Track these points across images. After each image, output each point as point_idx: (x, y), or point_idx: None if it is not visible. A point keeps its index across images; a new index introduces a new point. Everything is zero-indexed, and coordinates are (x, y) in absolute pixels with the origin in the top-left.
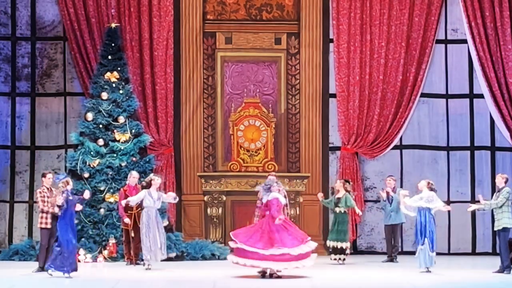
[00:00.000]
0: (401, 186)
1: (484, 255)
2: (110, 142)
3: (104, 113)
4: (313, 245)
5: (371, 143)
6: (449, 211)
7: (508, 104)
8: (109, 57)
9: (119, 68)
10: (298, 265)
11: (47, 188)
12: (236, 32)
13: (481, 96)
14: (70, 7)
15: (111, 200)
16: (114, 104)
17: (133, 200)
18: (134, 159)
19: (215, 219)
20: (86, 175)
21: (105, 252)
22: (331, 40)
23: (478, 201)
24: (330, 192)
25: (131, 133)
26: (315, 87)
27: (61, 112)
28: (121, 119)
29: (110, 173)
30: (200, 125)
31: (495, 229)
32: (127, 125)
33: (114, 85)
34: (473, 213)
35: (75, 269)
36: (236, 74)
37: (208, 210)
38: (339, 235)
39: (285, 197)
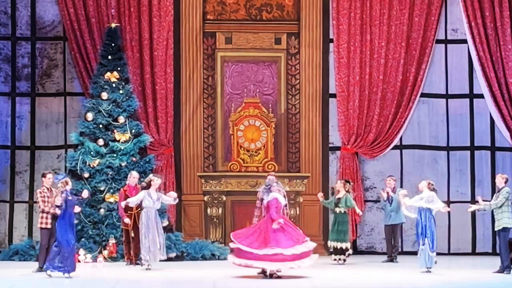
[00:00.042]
0: (401, 186)
1: (484, 255)
2: (110, 142)
3: (104, 113)
4: (310, 245)
5: (371, 143)
6: (449, 211)
7: (508, 104)
8: (109, 57)
9: (119, 68)
10: (293, 265)
11: (47, 188)
12: (236, 32)
13: (481, 96)
14: (70, 7)
15: (111, 200)
16: (114, 104)
17: (132, 201)
18: (134, 159)
19: (215, 219)
20: (86, 175)
21: (105, 252)
22: (331, 40)
23: (477, 202)
24: (330, 192)
25: (131, 133)
26: (315, 87)
27: (61, 112)
28: (121, 119)
29: (110, 173)
30: (200, 125)
31: (496, 229)
32: (127, 125)
33: (114, 85)
34: (473, 213)
35: (74, 270)
36: (236, 74)
37: (208, 210)
38: (339, 235)
39: (284, 197)
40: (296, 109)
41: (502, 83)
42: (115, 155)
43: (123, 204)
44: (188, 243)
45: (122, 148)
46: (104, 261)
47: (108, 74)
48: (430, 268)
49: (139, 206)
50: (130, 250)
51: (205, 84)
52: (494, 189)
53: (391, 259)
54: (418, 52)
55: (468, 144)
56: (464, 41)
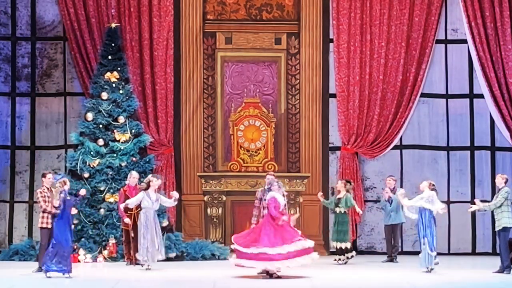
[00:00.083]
0: (401, 186)
1: (484, 255)
2: (110, 142)
3: (104, 113)
4: (305, 244)
5: (371, 143)
6: (448, 212)
7: (508, 104)
8: (109, 57)
9: (119, 68)
10: (280, 265)
11: (47, 188)
12: (236, 32)
13: (481, 96)
14: (70, 7)
15: (111, 200)
16: (114, 104)
17: (131, 203)
18: (134, 159)
19: (215, 219)
20: (86, 175)
21: (105, 252)
22: (331, 40)
23: (474, 203)
24: (330, 192)
25: (131, 133)
26: (315, 87)
27: (61, 112)
28: (121, 119)
29: (110, 173)
30: (200, 125)
31: (496, 229)
32: (127, 125)
33: (114, 85)
34: (473, 213)
35: (71, 271)
36: (236, 74)
37: (208, 210)
38: (339, 235)
39: (284, 197)
40: (296, 109)
41: (502, 83)
42: (115, 155)
43: (122, 206)
44: (188, 243)
45: (122, 148)
46: (104, 261)
47: (108, 74)
48: (430, 268)
49: (139, 206)
50: (130, 250)
51: (205, 84)
52: (494, 189)
53: (391, 259)
54: (418, 52)
55: (468, 144)
56: (464, 41)
